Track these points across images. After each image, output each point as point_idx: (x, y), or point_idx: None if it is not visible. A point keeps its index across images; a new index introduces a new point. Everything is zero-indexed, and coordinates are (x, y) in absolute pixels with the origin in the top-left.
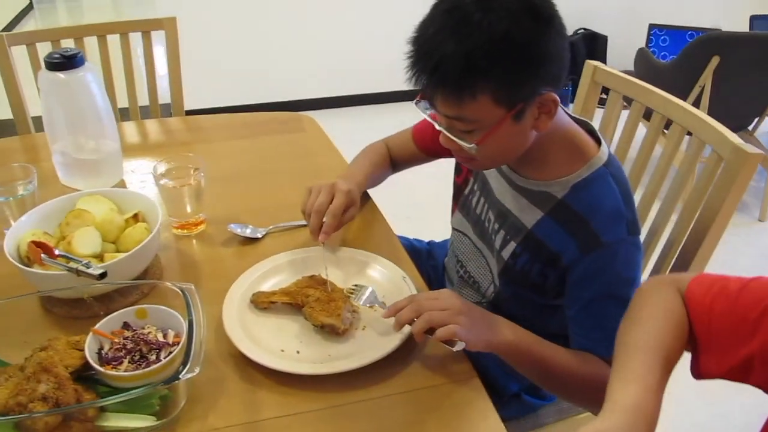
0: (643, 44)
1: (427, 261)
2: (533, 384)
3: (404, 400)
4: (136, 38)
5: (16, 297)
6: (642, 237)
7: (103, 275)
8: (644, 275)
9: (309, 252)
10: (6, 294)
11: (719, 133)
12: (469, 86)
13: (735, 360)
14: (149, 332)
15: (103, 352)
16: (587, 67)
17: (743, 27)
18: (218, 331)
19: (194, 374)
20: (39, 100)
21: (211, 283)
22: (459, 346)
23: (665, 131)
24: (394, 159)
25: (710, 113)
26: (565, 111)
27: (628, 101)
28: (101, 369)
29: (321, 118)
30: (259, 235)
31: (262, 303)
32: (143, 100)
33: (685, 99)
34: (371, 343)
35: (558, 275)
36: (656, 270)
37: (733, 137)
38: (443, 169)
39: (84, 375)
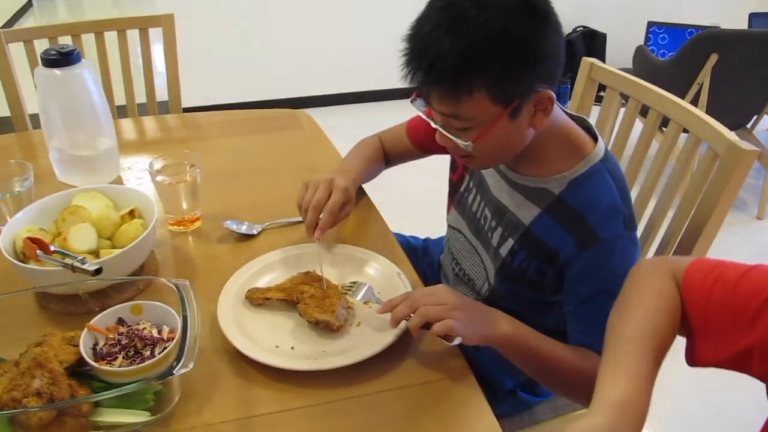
0: (642, 42)
1: (423, 258)
2: (529, 381)
3: (398, 397)
4: (134, 35)
5: (11, 293)
6: (639, 233)
7: (98, 271)
8: None
9: (304, 248)
10: (2, 290)
11: (715, 130)
12: (465, 83)
13: (733, 349)
14: (144, 328)
15: (97, 347)
16: (584, 64)
17: (742, 25)
18: (213, 327)
19: (188, 370)
20: (36, 97)
21: (207, 279)
22: (456, 341)
23: (663, 129)
24: (387, 154)
25: (709, 111)
26: (561, 108)
27: (626, 98)
28: (95, 364)
29: (319, 115)
30: (255, 232)
31: (257, 299)
32: (141, 97)
33: (683, 97)
34: (366, 340)
35: (555, 272)
36: None
37: (729, 134)
38: (440, 165)
39: (79, 370)
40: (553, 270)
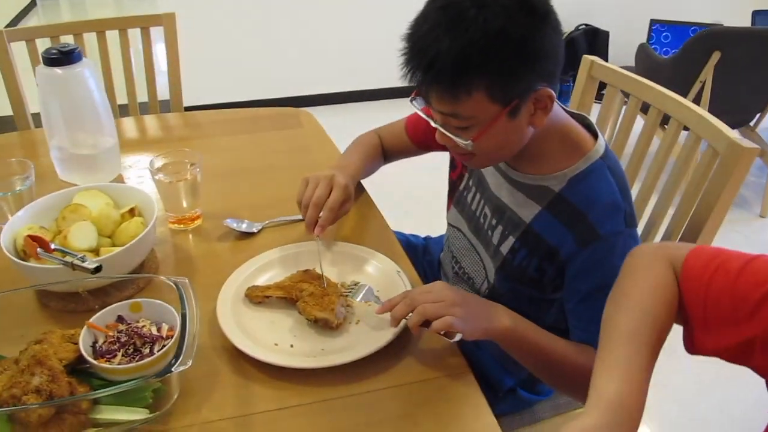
0: (644, 40)
1: (423, 256)
2: (529, 379)
3: (397, 394)
4: (135, 34)
5: (11, 290)
6: (639, 231)
7: (97, 269)
8: None
9: (304, 247)
10: (2, 288)
11: (715, 128)
12: (464, 83)
13: (733, 340)
14: (143, 326)
15: (97, 345)
16: (584, 62)
17: (745, 22)
18: (212, 324)
19: (186, 367)
20: (38, 96)
21: (207, 277)
22: (457, 337)
23: (664, 126)
24: (386, 150)
25: (711, 109)
26: (561, 106)
27: (627, 96)
28: (95, 362)
29: (320, 114)
30: (255, 230)
31: (257, 297)
32: (142, 96)
33: (686, 94)
34: (365, 338)
35: (556, 269)
36: None
37: (729, 132)
38: (441, 163)
39: (78, 368)
40: (553, 267)
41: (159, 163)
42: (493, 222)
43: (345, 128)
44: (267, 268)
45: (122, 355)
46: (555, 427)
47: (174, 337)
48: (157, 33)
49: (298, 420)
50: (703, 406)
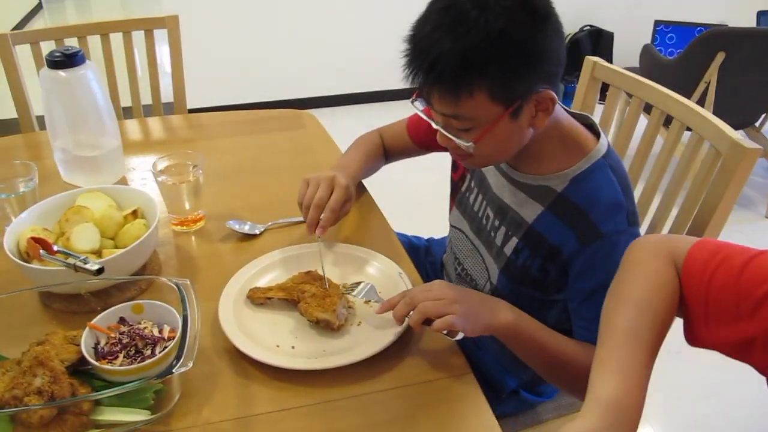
0: (649, 41)
1: (426, 258)
2: (531, 381)
3: (398, 395)
4: (139, 37)
5: (14, 291)
6: (642, 231)
7: (100, 271)
8: None
9: (305, 248)
10: (5, 289)
11: (717, 128)
12: (465, 84)
13: (734, 336)
14: (145, 327)
15: (99, 346)
16: (586, 63)
17: (750, 23)
18: (214, 326)
19: (187, 368)
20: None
21: (209, 278)
22: (459, 336)
23: (668, 126)
24: (387, 150)
25: (716, 109)
26: (562, 106)
27: (631, 97)
28: (96, 363)
29: (322, 116)
30: (258, 232)
31: (258, 298)
32: (146, 98)
33: (690, 95)
34: (366, 339)
35: (559, 270)
36: None
37: (731, 132)
38: (445, 165)
39: (80, 369)
40: (556, 267)
41: (162, 164)
42: (496, 223)
43: (348, 130)
44: (269, 270)
45: (124, 357)
46: (558, 429)
47: (175, 339)
48: (160, 35)
49: (299, 421)
50: (707, 408)
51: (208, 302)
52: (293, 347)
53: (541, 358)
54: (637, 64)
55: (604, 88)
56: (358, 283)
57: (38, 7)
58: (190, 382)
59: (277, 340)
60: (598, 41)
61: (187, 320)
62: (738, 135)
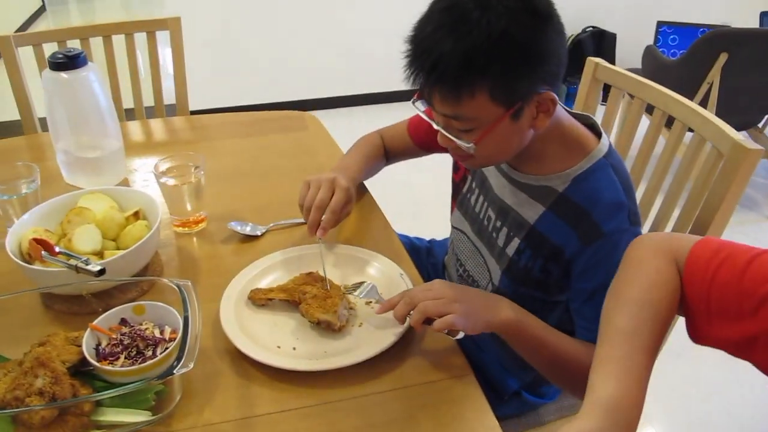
0: (651, 42)
1: (427, 259)
2: (533, 382)
3: (399, 397)
4: (141, 39)
5: (16, 293)
6: (644, 232)
7: (101, 272)
8: None
9: (307, 249)
10: (7, 290)
11: (719, 129)
12: (467, 85)
13: (736, 334)
14: (146, 328)
15: (100, 347)
16: (588, 64)
17: (753, 24)
18: (216, 327)
19: (188, 369)
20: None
21: (210, 280)
22: (460, 335)
23: (669, 127)
24: (388, 151)
25: (718, 110)
26: (563, 107)
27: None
28: (97, 364)
29: (325, 117)
30: (259, 233)
31: (260, 299)
32: (148, 100)
33: (693, 96)
34: (367, 340)
35: (561, 270)
36: None
37: (733, 133)
38: (448, 166)
39: (81, 370)
40: (558, 268)
41: (163, 166)
42: (498, 224)
43: (350, 131)
44: (270, 271)
45: (125, 358)
46: (558, 430)
47: (176, 340)
48: (163, 37)
49: (300, 422)
50: (710, 409)
51: (210, 303)
52: (294, 348)
53: (543, 356)
54: (639, 66)
55: (607, 89)
56: (360, 283)
57: (41, 10)
58: (191, 383)
59: (278, 341)
60: (601, 42)
61: (188, 321)
62: (740, 136)
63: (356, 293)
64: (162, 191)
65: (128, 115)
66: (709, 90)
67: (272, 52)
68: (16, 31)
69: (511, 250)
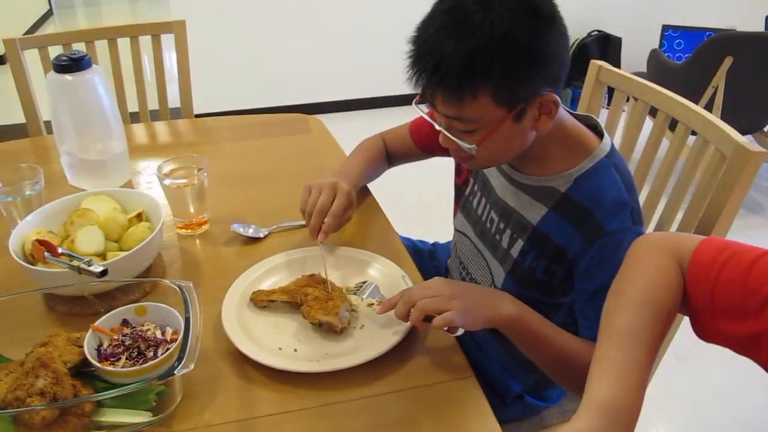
0: (657, 46)
1: (430, 262)
2: (536, 385)
3: (400, 399)
4: (146, 42)
5: (18, 293)
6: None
7: (103, 273)
8: None
9: (309, 251)
10: (9, 291)
11: (722, 131)
12: (469, 86)
13: (740, 331)
14: (148, 329)
15: (102, 348)
16: (591, 67)
17: (759, 27)
18: (217, 328)
19: (189, 370)
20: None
21: (212, 281)
22: (460, 332)
23: (672, 130)
24: (390, 154)
25: (724, 114)
26: (565, 108)
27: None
28: (99, 365)
29: (329, 121)
30: (262, 235)
31: (261, 301)
32: (153, 103)
33: (698, 100)
34: (368, 341)
35: (565, 271)
36: None
37: (736, 136)
38: (452, 169)
39: (83, 371)
40: (562, 269)
41: (167, 168)
42: (501, 226)
43: (354, 134)
44: (272, 273)
45: (126, 358)
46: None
47: (177, 341)
48: (168, 41)
49: (301, 424)
50: (715, 412)
51: (212, 305)
52: (296, 350)
53: (545, 353)
54: (645, 69)
55: (611, 93)
56: (362, 283)
57: (49, 14)
58: (193, 384)
59: (280, 342)
60: (606, 46)
61: (190, 322)
62: (743, 138)
63: (359, 294)
64: (165, 193)
65: (133, 118)
66: (715, 94)
67: (276, 57)
68: (24, 34)
69: (515, 252)
